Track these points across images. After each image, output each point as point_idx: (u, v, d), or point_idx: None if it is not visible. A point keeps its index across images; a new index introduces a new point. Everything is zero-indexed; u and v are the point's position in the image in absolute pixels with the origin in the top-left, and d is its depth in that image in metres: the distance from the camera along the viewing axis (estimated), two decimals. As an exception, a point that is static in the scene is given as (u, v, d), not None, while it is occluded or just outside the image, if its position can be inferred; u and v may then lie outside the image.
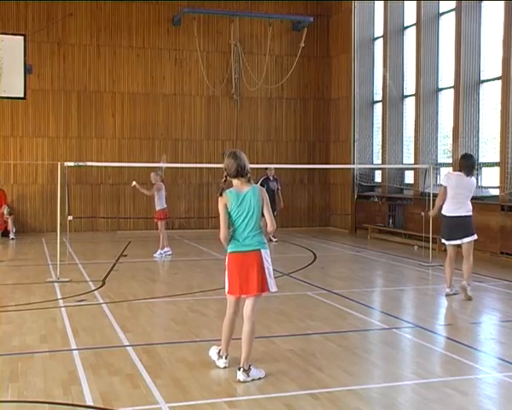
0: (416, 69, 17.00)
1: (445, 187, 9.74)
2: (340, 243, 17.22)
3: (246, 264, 6.05)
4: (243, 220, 6.00)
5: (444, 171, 16.63)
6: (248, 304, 6.15)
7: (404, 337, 7.75)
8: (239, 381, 5.92)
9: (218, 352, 6.42)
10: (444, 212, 9.77)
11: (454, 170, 15.52)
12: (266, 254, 6.09)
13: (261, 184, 17.03)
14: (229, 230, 6.11)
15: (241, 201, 6.00)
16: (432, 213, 10.56)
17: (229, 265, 6.21)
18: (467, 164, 9.73)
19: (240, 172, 5.98)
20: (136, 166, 19.08)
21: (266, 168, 17.70)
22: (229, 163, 6.00)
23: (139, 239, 16.44)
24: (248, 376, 5.94)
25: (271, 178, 17.49)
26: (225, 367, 6.30)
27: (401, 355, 7.14)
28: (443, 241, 9.96)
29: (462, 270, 9.80)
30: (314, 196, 21.09)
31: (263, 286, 6.07)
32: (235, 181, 6.05)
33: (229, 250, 6.18)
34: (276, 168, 20.22)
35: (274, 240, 17.04)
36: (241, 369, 5.97)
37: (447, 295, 9.88)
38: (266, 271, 6.06)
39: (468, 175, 9.68)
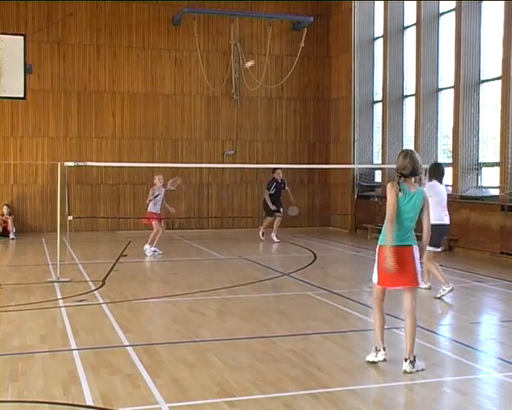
0: (416, 69, 16.99)
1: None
2: (340, 242, 17.22)
3: (401, 257, 6.21)
4: (405, 217, 6.22)
5: (444, 171, 16.63)
6: (407, 297, 6.33)
7: (403, 337, 7.74)
8: (405, 372, 6.13)
9: (375, 348, 6.52)
10: (435, 220, 9.67)
11: (454, 170, 15.56)
12: (416, 251, 6.31)
13: (268, 187, 17.40)
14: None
15: (409, 199, 6.24)
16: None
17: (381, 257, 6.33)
18: (442, 172, 10.07)
19: (413, 173, 6.25)
20: (136, 166, 19.10)
21: (274, 170, 17.71)
22: (405, 163, 6.25)
23: (139, 239, 16.42)
24: (413, 367, 6.16)
25: (279, 180, 17.51)
26: (385, 360, 6.41)
27: (401, 355, 7.13)
28: (430, 249, 9.67)
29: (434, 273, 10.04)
30: (314, 196, 21.09)
31: (416, 280, 6.28)
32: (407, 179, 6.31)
33: (384, 243, 6.29)
34: (275, 168, 20.29)
35: (276, 240, 17.10)
36: (408, 360, 6.18)
37: (449, 290, 9.81)
38: (417, 266, 6.28)
39: (441, 183, 9.99)
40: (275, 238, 17.13)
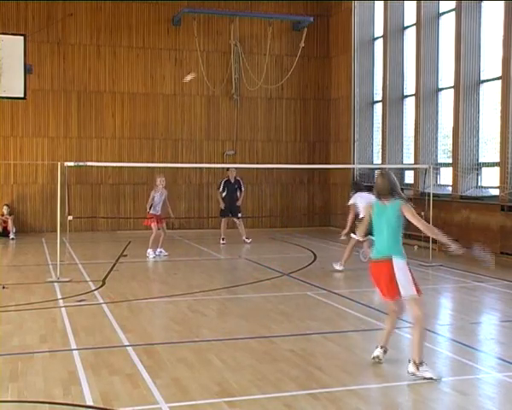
0: (416, 69, 16.99)
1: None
2: (340, 242, 17.20)
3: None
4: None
5: (444, 171, 16.64)
6: None
7: (404, 337, 7.74)
8: (408, 372, 6.11)
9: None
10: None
11: (454, 170, 15.59)
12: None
13: (223, 188, 16.75)
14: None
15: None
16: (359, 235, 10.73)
17: None
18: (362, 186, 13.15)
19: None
20: (136, 166, 19.09)
21: (227, 169, 17.18)
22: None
23: (139, 239, 16.43)
24: (418, 370, 6.07)
25: (232, 180, 16.88)
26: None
27: (401, 355, 7.14)
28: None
29: None
30: (314, 196, 21.09)
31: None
32: None
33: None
34: (276, 168, 20.22)
35: (248, 241, 16.77)
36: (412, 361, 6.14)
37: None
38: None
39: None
40: (246, 240, 16.76)
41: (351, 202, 12.82)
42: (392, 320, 6.70)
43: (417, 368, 6.07)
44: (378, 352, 6.54)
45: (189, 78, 17.64)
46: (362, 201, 11.97)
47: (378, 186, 6.59)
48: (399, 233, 6.51)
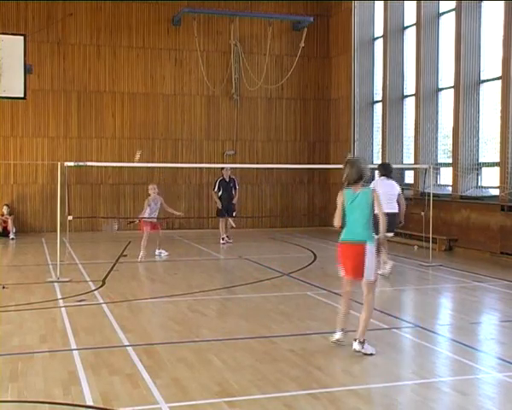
0: (416, 69, 16.99)
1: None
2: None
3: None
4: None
5: (444, 171, 16.64)
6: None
7: (404, 337, 7.76)
8: (354, 350, 6.77)
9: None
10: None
11: (454, 170, 15.61)
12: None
13: (218, 187, 16.76)
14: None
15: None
16: None
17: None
18: (391, 169, 12.25)
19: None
20: (136, 166, 19.09)
21: (222, 168, 17.13)
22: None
23: (139, 239, 16.41)
24: (362, 348, 6.76)
25: (227, 179, 16.85)
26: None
27: (401, 355, 7.14)
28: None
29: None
30: (314, 196, 21.09)
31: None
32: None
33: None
34: (276, 168, 20.21)
35: (229, 241, 16.75)
36: (357, 341, 6.81)
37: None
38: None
39: (388, 178, 11.94)
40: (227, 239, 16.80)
41: (371, 186, 12.08)
42: (347, 302, 7.23)
43: (362, 346, 6.76)
44: (339, 335, 7.08)
45: (137, 157, 17.84)
46: (382, 188, 10.62)
47: (347, 175, 6.92)
48: (371, 219, 6.94)
